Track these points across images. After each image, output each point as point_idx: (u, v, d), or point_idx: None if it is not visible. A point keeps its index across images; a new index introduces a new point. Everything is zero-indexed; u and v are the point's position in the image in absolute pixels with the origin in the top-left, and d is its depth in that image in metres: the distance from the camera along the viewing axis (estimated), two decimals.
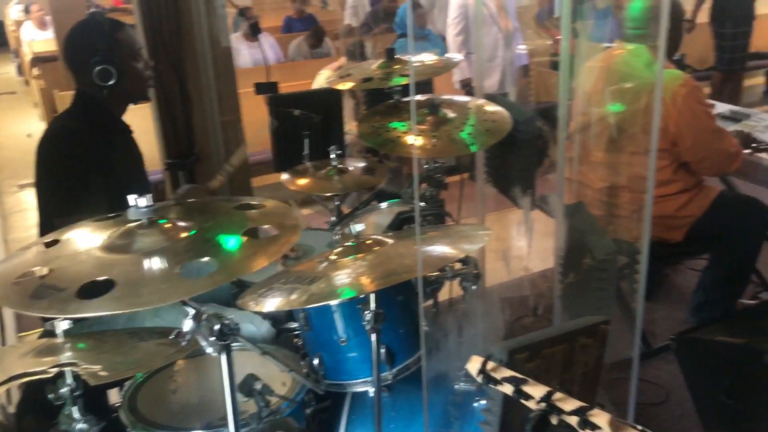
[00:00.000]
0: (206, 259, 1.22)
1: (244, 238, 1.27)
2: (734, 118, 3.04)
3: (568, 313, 2.27)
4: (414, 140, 2.22)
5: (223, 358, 1.31)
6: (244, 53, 5.94)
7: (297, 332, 2.02)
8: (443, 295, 2.33)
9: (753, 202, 2.80)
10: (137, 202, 1.28)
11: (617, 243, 2.23)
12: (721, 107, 3.17)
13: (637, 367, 1.93)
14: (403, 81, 2.38)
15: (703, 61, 6.09)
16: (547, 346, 1.33)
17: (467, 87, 4.94)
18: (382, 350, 1.67)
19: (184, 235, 1.28)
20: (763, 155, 2.68)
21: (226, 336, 1.28)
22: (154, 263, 1.20)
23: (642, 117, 2.31)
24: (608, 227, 2.52)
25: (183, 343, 1.31)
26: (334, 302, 1.64)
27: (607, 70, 2.71)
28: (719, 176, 3.10)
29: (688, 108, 2.55)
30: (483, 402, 1.42)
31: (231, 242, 1.26)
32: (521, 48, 5.04)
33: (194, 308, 1.28)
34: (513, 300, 3.26)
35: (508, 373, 1.06)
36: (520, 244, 2.70)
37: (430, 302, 2.35)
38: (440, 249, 1.65)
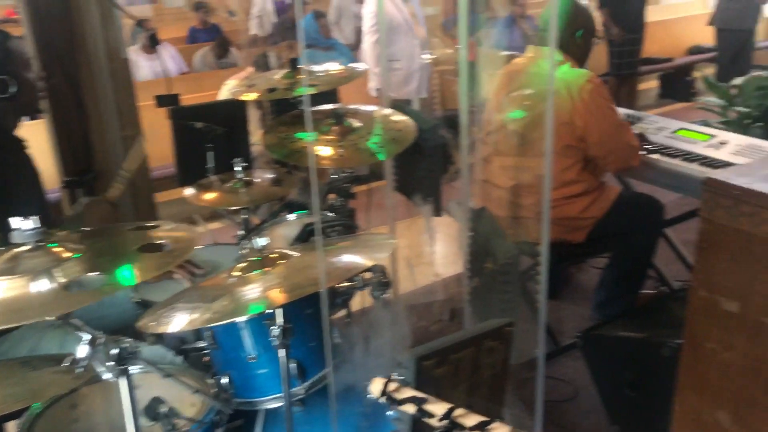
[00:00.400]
0: (95, 274, 1.17)
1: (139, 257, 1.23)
2: (628, 121, 3.16)
3: (476, 317, 2.30)
4: (314, 151, 2.21)
5: (123, 382, 1.25)
6: (144, 65, 5.77)
7: (206, 350, 1.96)
8: (357, 305, 2.32)
9: (649, 200, 2.92)
10: (21, 225, 1.21)
11: (522, 245, 2.28)
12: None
13: (543, 366, 1.97)
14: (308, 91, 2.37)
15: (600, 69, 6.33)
16: (454, 351, 1.34)
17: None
18: (293, 365, 1.65)
19: (72, 255, 1.22)
20: (656, 156, 2.80)
21: (125, 360, 1.24)
22: (41, 282, 1.14)
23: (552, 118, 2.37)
24: (516, 229, 2.57)
25: (78, 370, 1.24)
26: (238, 319, 1.60)
27: (519, 75, 2.78)
28: (619, 175, 3.22)
29: (594, 103, 2.64)
30: (394, 412, 1.42)
31: (125, 273, 1.21)
32: (425, 56, 5.11)
33: (90, 333, 1.23)
34: (425, 306, 3.29)
35: (410, 393, 1.07)
36: (430, 250, 2.72)
37: (343, 313, 2.33)
38: (347, 259, 1.65)
